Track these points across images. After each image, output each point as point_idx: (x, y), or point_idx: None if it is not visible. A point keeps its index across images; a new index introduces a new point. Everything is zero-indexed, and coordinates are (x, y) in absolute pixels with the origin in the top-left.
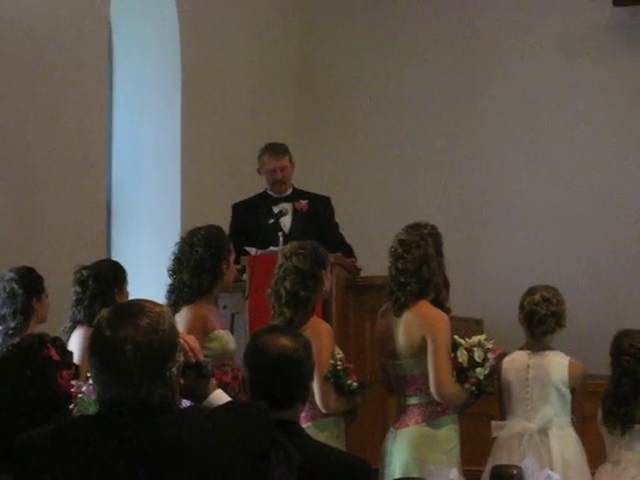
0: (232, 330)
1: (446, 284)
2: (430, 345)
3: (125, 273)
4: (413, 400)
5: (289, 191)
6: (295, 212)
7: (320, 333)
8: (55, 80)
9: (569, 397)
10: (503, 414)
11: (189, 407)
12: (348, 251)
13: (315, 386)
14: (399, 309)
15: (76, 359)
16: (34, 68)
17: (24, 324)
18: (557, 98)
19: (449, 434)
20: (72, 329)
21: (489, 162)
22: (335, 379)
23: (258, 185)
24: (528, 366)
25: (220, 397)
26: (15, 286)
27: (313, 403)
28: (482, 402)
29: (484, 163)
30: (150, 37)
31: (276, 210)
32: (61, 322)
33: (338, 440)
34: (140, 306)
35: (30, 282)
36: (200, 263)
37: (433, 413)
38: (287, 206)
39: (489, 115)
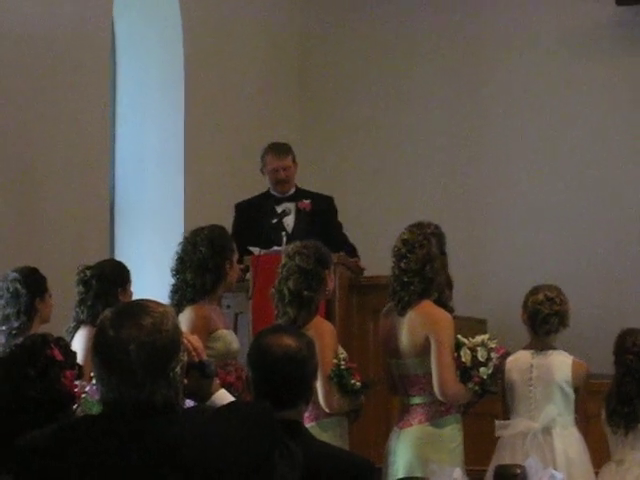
0: (235, 330)
1: (449, 284)
2: (433, 345)
3: (128, 273)
4: (416, 399)
5: (292, 191)
6: (298, 212)
7: (323, 333)
8: (58, 79)
9: (572, 396)
10: (506, 413)
11: (192, 407)
12: (351, 251)
13: (318, 386)
14: (402, 309)
15: (79, 359)
16: (36, 68)
17: (27, 324)
18: (558, 97)
19: (453, 433)
20: (75, 329)
21: (491, 161)
22: (338, 379)
23: (261, 184)
24: (531, 365)
25: (224, 397)
26: (18, 286)
27: (316, 403)
28: (485, 401)
29: (486, 162)
30: (153, 37)
31: (279, 210)
32: (64, 322)
33: (341, 440)
34: (143, 306)
35: (33, 282)
36: (203, 263)
37: (437, 412)
38: (290, 206)
39: (490, 114)
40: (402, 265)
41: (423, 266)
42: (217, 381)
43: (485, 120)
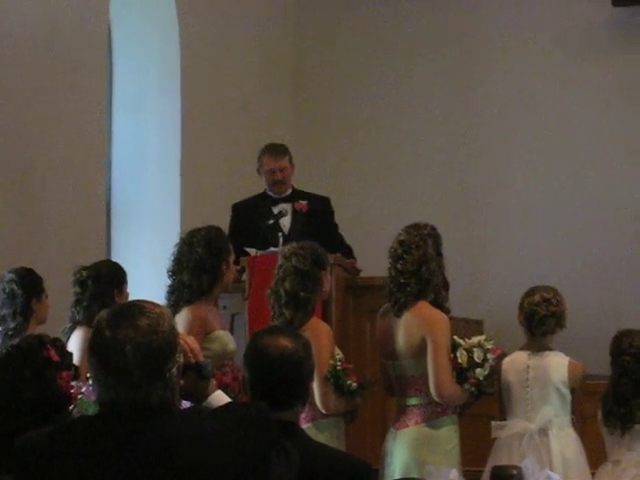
0: (232, 331)
1: (446, 285)
2: (430, 346)
3: (125, 274)
4: (413, 401)
5: (289, 192)
6: (295, 212)
7: (320, 334)
8: (55, 80)
9: (569, 397)
10: (503, 414)
11: (189, 408)
12: (348, 252)
13: (315, 387)
14: (399, 310)
15: (75, 360)
16: (34, 68)
17: (24, 325)
18: (554, 97)
19: (449, 435)
20: (71, 330)
21: (488, 161)
22: (335, 380)
23: (258, 185)
24: (528, 366)
25: (220, 398)
26: (15, 287)
27: (313, 404)
28: (482, 402)
29: (483, 162)
30: (150, 37)
31: (276, 211)
32: (61, 323)
33: (338, 441)
34: (140, 307)
35: (30, 283)
36: (200, 264)
37: (433, 414)
38: (287, 207)
39: (487, 114)
40: (398, 266)
41: (419, 267)
42: (213, 382)
43: (482, 120)
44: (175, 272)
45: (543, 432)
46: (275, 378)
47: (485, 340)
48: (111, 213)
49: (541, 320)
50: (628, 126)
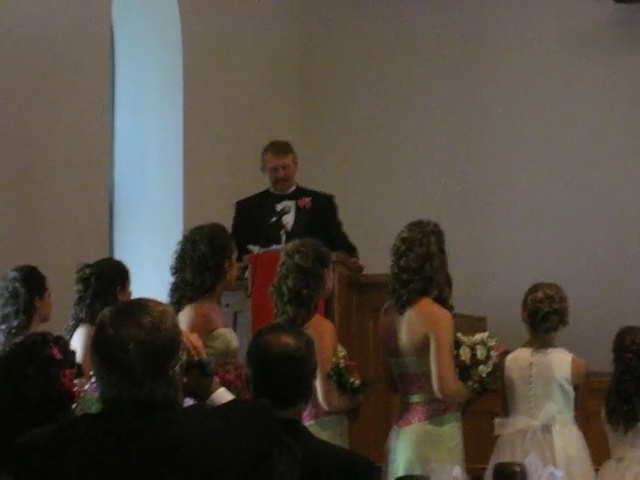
0: (235, 328)
1: (448, 282)
2: (433, 343)
3: (128, 272)
4: (416, 398)
5: (292, 189)
6: (298, 210)
7: (323, 331)
8: (57, 80)
9: (572, 394)
10: (506, 411)
11: (192, 405)
12: (351, 250)
13: (318, 384)
14: (402, 307)
15: (78, 358)
16: (36, 69)
17: (27, 323)
18: (558, 96)
19: (452, 432)
20: (74, 328)
21: (491, 160)
22: (338, 377)
23: (261, 184)
24: (531, 363)
25: (223, 395)
26: (18, 285)
27: (316, 401)
28: (485, 399)
29: (486, 161)
30: (152, 37)
31: (279, 208)
32: (64, 321)
33: (341, 438)
34: (143, 305)
35: (33, 281)
36: (203, 261)
37: (436, 411)
38: (290, 204)
39: (490, 114)
40: (401, 263)
41: (422, 264)
42: (216, 380)
43: (485, 120)
44: (178, 270)
45: (546, 429)
46: (278, 376)
47: (488, 337)
48: (113, 212)
49: (544, 317)
50: (633, 126)
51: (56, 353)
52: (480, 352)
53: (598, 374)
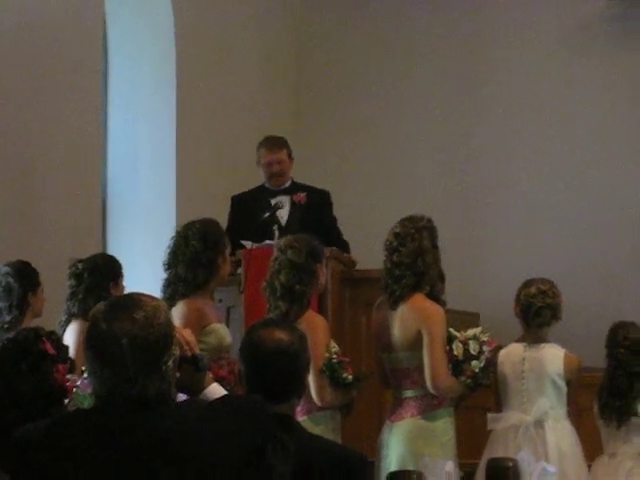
0: (228, 324)
1: (441, 277)
2: (426, 338)
3: (120, 267)
4: (409, 393)
5: (287, 184)
6: (293, 204)
7: (315, 327)
8: (51, 78)
9: (565, 389)
10: (499, 406)
11: (185, 401)
12: (343, 247)
13: (311, 379)
14: (394, 302)
15: (71, 353)
16: (29, 67)
17: (19, 318)
18: (558, 96)
19: (445, 427)
20: (67, 323)
21: (491, 160)
22: (331, 372)
23: (254, 181)
24: (524, 358)
25: (216, 391)
26: (11, 280)
27: (309, 396)
28: (478, 395)
29: (487, 161)
30: (145, 35)
31: (273, 203)
32: (57, 316)
33: (334, 433)
34: (136, 299)
35: (26, 276)
36: (196, 257)
37: (429, 406)
38: (284, 199)
39: (490, 113)
40: (394, 258)
41: (415, 259)
42: (210, 375)
43: (484, 119)
44: (171, 265)
45: (539, 424)
46: (271, 371)
47: (481, 332)
48: (106, 210)
49: (537, 312)
50: (633, 126)
51: (49, 348)
52: (473, 347)
53: (591, 369)
